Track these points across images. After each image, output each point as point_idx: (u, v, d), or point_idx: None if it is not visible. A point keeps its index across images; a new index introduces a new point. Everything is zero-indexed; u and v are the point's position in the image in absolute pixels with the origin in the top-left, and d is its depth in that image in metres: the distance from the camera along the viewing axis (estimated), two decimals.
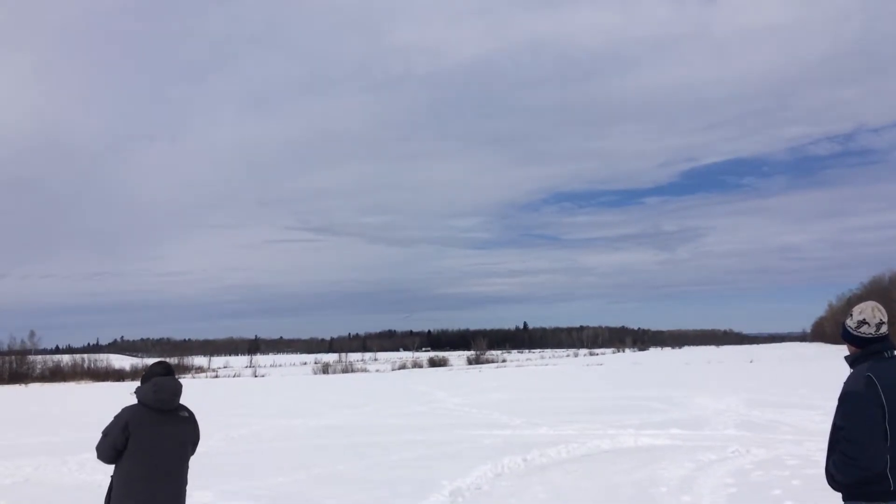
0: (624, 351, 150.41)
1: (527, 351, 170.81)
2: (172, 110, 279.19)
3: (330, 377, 64.13)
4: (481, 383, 37.70)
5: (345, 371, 77.77)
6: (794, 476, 9.47)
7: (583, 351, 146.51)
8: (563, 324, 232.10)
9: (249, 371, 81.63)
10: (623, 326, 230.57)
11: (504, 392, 29.17)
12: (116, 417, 4.66)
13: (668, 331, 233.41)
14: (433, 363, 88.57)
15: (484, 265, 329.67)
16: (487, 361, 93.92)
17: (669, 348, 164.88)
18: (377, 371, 76.14)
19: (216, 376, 72.26)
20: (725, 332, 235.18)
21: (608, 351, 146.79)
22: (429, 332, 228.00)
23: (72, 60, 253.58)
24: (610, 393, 26.89)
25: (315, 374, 74.74)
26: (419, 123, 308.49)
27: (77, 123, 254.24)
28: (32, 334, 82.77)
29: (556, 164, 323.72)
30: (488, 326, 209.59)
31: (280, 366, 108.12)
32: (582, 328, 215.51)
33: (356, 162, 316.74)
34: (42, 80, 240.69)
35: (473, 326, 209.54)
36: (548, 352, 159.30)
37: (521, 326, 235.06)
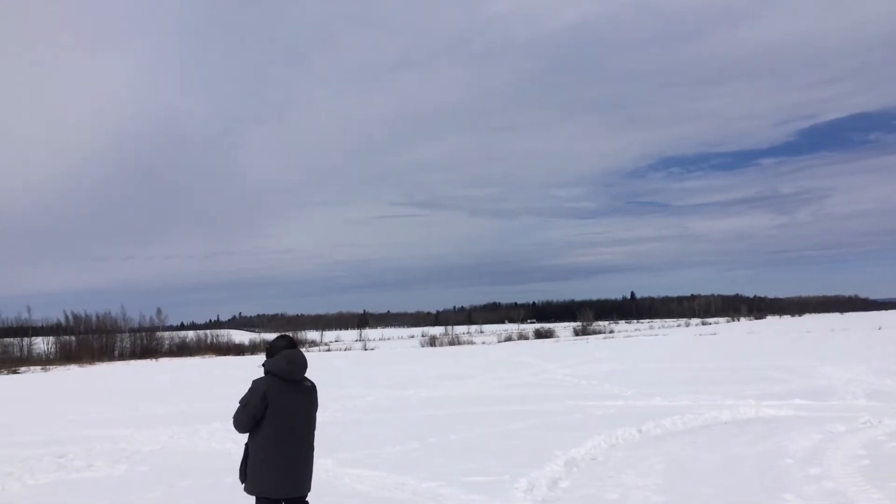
0: (739, 320, 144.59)
1: (635, 321, 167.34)
2: (277, 92, 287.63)
3: (437, 350, 65.09)
4: (589, 354, 37.27)
5: (451, 343, 78.74)
6: None
7: (694, 321, 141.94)
8: (673, 293, 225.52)
9: (359, 344, 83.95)
10: (737, 294, 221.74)
11: (613, 363, 28.71)
12: (252, 389, 4.90)
13: (787, 298, 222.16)
14: (539, 335, 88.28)
15: (589, 235, 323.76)
16: (594, 332, 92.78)
17: (788, 316, 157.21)
18: (483, 343, 76.63)
19: (328, 350, 74.86)
20: (850, 299, 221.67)
21: (722, 320, 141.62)
22: (534, 303, 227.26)
23: (183, 50, 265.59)
24: (725, 363, 25.97)
25: (422, 346, 76.07)
26: (519, 93, 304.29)
27: (190, 110, 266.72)
28: (159, 312, 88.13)
29: (662, 128, 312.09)
30: (594, 297, 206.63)
31: (388, 339, 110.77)
32: (693, 297, 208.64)
33: (457, 135, 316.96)
34: (157, 71, 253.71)
35: (579, 297, 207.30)
36: (657, 322, 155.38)
37: (629, 296, 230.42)
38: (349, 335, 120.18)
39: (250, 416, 4.86)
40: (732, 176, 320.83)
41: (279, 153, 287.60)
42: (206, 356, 69.66)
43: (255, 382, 4.95)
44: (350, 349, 73.64)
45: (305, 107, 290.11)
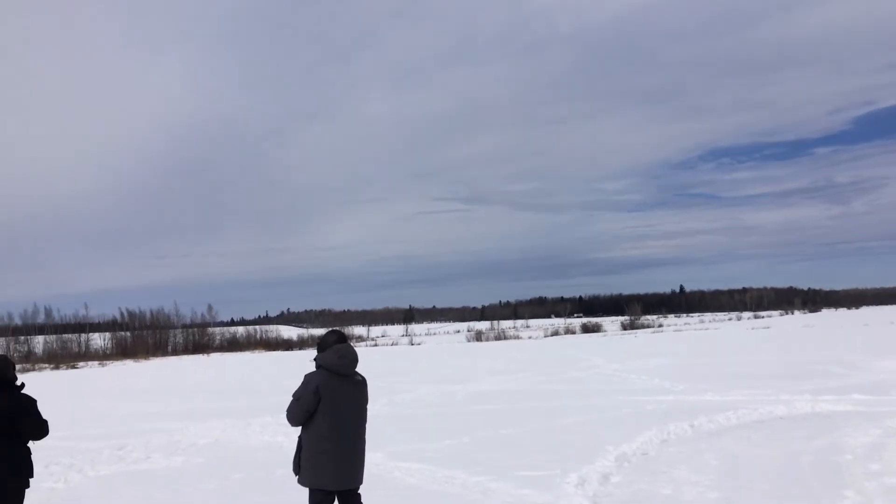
0: (793, 313, 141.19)
1: (684, 315, 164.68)
2: (326, 90, 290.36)
3: (483, 344, 65.07)
4: (638, 348, 36.84)
5: (498, 338, 78.68)
6: None
7: (746, 314, 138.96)
8: (724, 286, 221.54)
9: (406, 339, 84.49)
10: (791, 287, 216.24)
11: (663, 357, 28.31)
12: (305, 383, 4.96)
13: (843, 290, 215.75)
14: (586, 329, 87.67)
15: (636, 228, 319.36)
16: (643, 326, 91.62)
17: (845, 309, 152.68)
18: (530, 338, 76.41)
19: (375, 345, 75.46)
20: None
21: (775, 313, 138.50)
22: (580, 298, 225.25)
23: (235, 51, 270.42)
24: (780, 357, 25.39)
25: (469, 341, 76.15)
26: (564, 85, 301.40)
27: (241, 108, 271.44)
28: (210, 308, 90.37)
29: (712, 118, 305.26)
30: (642, 291, 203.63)
31: (434, 334, 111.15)
32: (745, 290, 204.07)
33: (502, 129, 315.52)
34: (210, 72, 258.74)
35: (627, 291, 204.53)
36: (707, 315, 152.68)
37: (678, 290, 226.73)
38: (395, 330, 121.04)
39: (303, 409, 4.91)
40: (786, 166, 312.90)
41: (327, 151, 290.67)
42: (256, 351, 70.91)
43: (308, 377, 5.01)
44: (396, 344, 74.11)
45: (353, 105, 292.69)
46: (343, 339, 5.15)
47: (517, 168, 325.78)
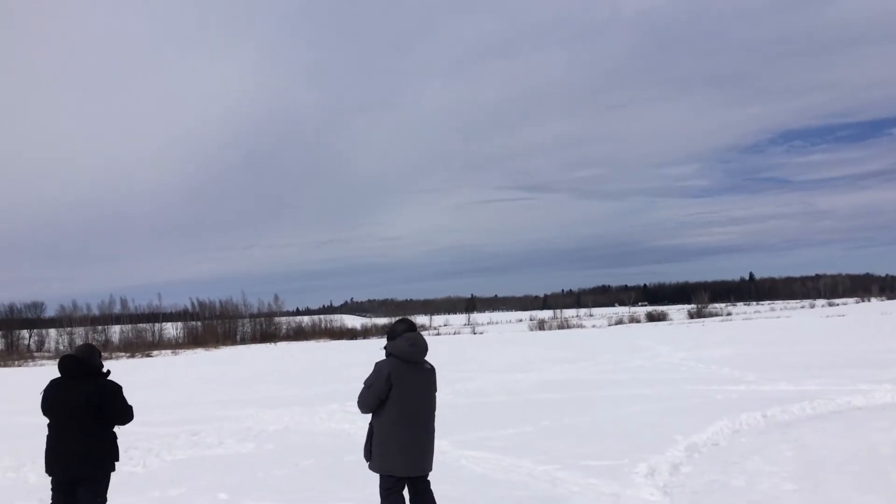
0: (870, 300, 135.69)
1: (754, 303, 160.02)
2: (384, 81, 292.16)
3: (546, 333, 64.75)
4: (706, 337, 36.03)
5: (560, 327, 78.16)
6: None
7: (820, 302, 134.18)
8: (796, 273, 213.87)
9: (468, 328, 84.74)
10: (868, 274, 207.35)
11: (732, 346, 27.61)
12: (376, 370, 5.02)
13: None
14: (651, 318, 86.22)
15: (703, 214, 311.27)
16: (710, 315, 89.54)
17: None
18: (593, 326, 75.65)
19: (438, 334, 75.89)
20: None
21: (850, 301, 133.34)
22: (644, 286, 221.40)
23: (294, 45, 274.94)
24: (856, 346, 24.44)
25: (531, 330, 75.87)
26: (627, 69, 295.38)
27: (300, 100, 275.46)
28: (277, 298, 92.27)
29: (782, 100, 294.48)
30: (709, 278, 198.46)
31: (497, 323, 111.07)
32: (818, 277, 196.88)
33: (563, 116, 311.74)
34: (271, 65, 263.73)
35: (693, 279, 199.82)
36: (778, 303, 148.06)
37: (747, 277, 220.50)
38: (458, 319, 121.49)
39: (375, 396, 4.97)
40: (861, 148, 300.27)
41: (387, 142, 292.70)
42: (321, 340, 72.25)
43: (379, 364, 5.06)
44: (459, 333, 74.40)
45: (411, 95, 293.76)
46: (413, 327, 5.21)
47: (579, 155, 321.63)
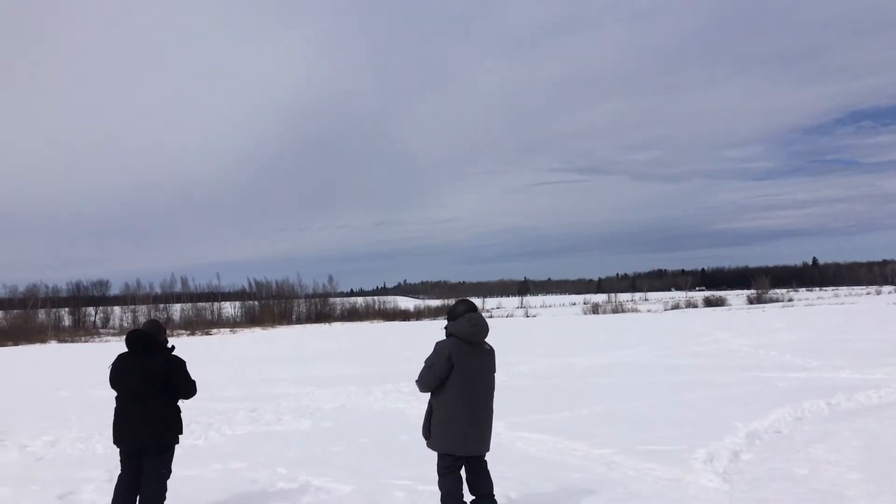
0: None
1: (817, 289, 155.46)
2: (439, 64, 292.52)
3: (600, 317, 64.11)
4: (767, 323, 35.14)
5: (615, 311, 77.31)
6: None
7: (887, 288, 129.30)
8: (862, 258, 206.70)
9: (521, 311, 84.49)
10: None
11: (794, 332, 26.87)
12: (437, 350, 5.03)
13: None
14: (709, 303, 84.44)
15: (764, 197, 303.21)
16: (770, 300, 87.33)
17: None
18: (649, 311, 74.58)
19: (490, 316, 75.86)
20: None
21: None
22: (702, 270, 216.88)
23: (353, 29, 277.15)
24: None
25: (585, 314, 75.24)
26: (687, 49, 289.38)
27: (357, 85, 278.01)
28: (331, 279, 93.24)
29: (851, 79, 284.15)
30: (770, 263, 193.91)
31: (550, 306, 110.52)
32: (885, 262, 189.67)
33: (620, 97, 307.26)
34: (329, 48, 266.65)
35: (753, 264, 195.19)
36: (842, 289, 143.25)
37: (810, 262, 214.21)
38: (510, 302, 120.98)
39: (436, 376, 4.99)
40: None
41: (441, 124, 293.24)
42: (374, 321, 72.98)
43: (440, 344, 5.07)
44: (512, 316, 74.28)
45: (467, 77, 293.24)
46: (474, 308, 5.20)
47: (636, 137, 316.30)
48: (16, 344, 47.73)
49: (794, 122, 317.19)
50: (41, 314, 68.16)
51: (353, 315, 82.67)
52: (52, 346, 44.81)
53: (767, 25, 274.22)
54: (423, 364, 5.08)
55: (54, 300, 74.39)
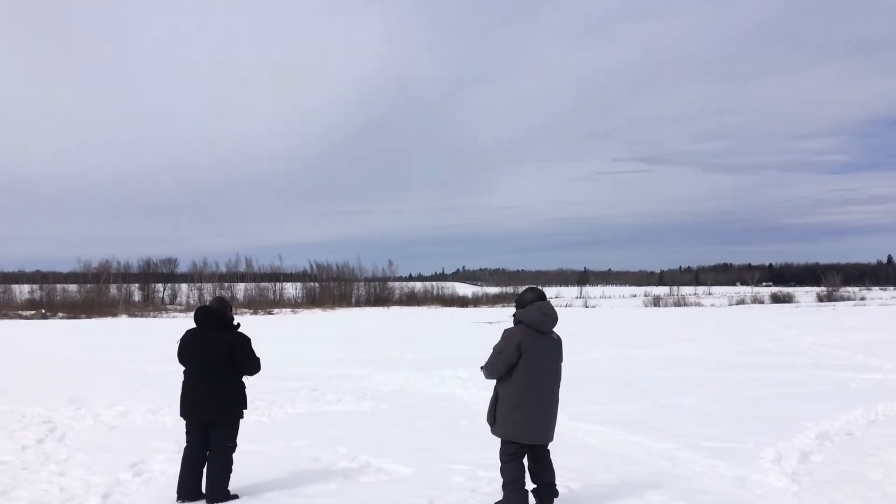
0: None
1: (891, 288, 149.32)
2: (503, 50, 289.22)
3: (661, 310, 62.98)
4: (837, 322, 33.93)
5: (677, 304, 75.76)
6: None
7: None
8: None
9: (580, 302, 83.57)
10: None
11: (868, 332, 25.87)
12: (507, 337, 5.01)
13: None
14: (776, 299, 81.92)
15: (839, 191, 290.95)
16: (842, 298, 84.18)
17: None
18: (712, 305, 72.89)
19: None
20: None
21: None
22: (770, 265, 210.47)
23: (416, 12, 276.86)
24: None
25: (646, 306, 74.01)
26: (764, 35, 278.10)
27: (420, 71, 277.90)
28: (391, 264, 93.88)
29: None
30: (843, 260, 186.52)
31: (610, 297, 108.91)
32: None
33: (691, 85, 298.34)
34: (391, 34, 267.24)
35: (824, 260, 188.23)
36: None
37: (885, 260, 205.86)
38: (569, 292, 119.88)
39: (505, 363, 4.96)
40: None
41: (504, 110, 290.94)
42: (432, 306, 73.32)
43: (509, 331, 5.04)
44: (570, 306, 73.50)
45: (533, 62, 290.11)
46: (543, 296, 5.15)
47: (705, 126, 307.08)
48: (89, 317, 49.72)
49: (875, 113, 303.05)
50: (113, 289, 70.76)
51: (411, 300, 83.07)
52: (123, 320, 46.52)
53: (848, 12, 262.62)
54: (492, 351, 5.05)
55: (125, 276, 77.06)
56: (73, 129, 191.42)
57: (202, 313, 5.78)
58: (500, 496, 5.18)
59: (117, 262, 78.47)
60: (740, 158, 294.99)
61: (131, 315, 53.26)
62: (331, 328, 35.36)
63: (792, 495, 5.92)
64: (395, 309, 68.19)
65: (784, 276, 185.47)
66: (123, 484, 6.30)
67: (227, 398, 5.65)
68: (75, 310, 53.80)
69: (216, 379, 5.62)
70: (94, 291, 66.17)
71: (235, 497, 5.79)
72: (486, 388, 11.90)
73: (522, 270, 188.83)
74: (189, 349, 5.75)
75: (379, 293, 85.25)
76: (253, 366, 5.79)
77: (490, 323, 35.49)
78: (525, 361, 4.92)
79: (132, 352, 20.57)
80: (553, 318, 5.04)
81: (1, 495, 5.91)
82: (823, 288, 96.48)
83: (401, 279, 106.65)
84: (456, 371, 15.01)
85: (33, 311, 53.10)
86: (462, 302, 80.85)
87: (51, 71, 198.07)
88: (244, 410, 5.83)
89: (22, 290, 69.29)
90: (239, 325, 5.90)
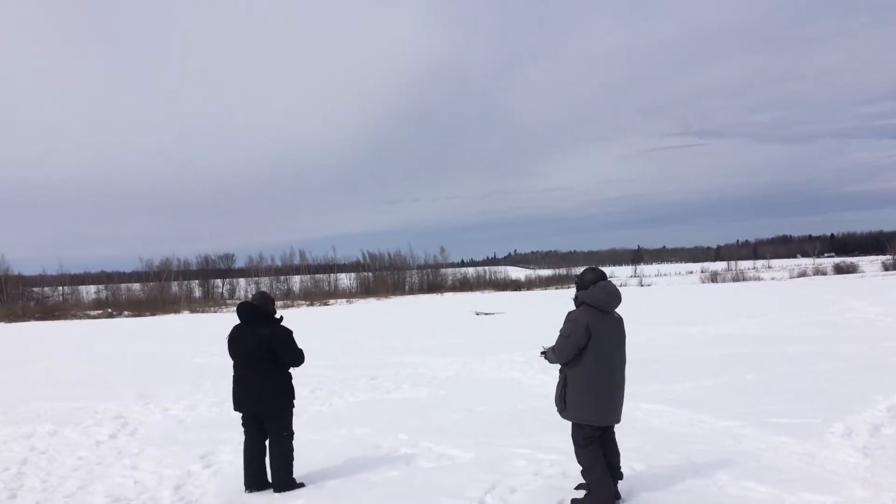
0: None
1: None
2: (551, 28, 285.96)
3: (719, 286, 61.74)
4: None
5: (735, 279, 74.20)
6: None
7: None
8: None
9: (635, 280, 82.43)
10: None
11: None
12: (573, 320, 4.96)
13: None
14: (839, 270, 79.47)
15: None
16: None
17: None
18: (772, 279, 71.16)
19: None
20: None
21: None
22: (832, 235, 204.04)
23: None
24: None
25: (703, 282, 72.66)
26: (814, 2, 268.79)
27: (467, 53, 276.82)
28: (442, 250, 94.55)
29: None
30: None
31: (665, 275, 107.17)
32: None
33: (743, 55, 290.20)
34: (435, 16, 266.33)
35: (889, 228, 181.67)
36: None
37: None
38: (623, 271, 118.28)
39: (574, 346, 4.91)
40: None
41: (552, 90, 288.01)
42: (485, 291, 73.30)
43: (574, 314, 4.99)
44: (625, 285, 72.57)
45: (581, 40, 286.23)
46: (604, 276, 5.09)
47: (758, 97, 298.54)
48: (152, 314, 51.22)
49: None
50: (174, 286, 72.84)
51: (464, 285, 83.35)
52: (185, 316, 47.78)
53: None
54: (559, 334, 5.00)
55: (185, 273, 79.27)
56: (127, 133, 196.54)
57: (244, 308, 5.90)
58: (561, 478, 5.17)
59: (177, 260, 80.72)
60: (795, 128, 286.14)
61: (193, 311, 54.67)
62: (386, 316, 35.70)
63: (864, 470, 5.75)
64: (447, 295, 68.41)
65: (847, 246, 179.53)
66: (193, 475, 6.49)
67: (270, 389, 5.77)
68: (140, 308, 55.52)
69: (259, 372, 5.76)
70: (157, 289, 68.17)
71: (301, 485, 5.91)
72: (544, 372, 11.90)
73: (574, 251, 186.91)
74: (234, 344, 5.90)
75: (432, 280, 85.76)
76: (295, 358, 5.89)
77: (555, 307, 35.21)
78: (593, 343, 4.87)
79: (195, 346, 21.13)
80: (617, 296, 4.97)
81: (79, 490, 6.15)
82: (889, 256, 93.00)
83: (453, 265, 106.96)
84: (512, 355, 15.01)
85: (100, 311, 54.98)
86: (515, 285, 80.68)
87: (110, 74, 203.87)
88: (292, 400, 5.93)
89: (89, 291, 71.89)
90: (281, 318, 6.00)
